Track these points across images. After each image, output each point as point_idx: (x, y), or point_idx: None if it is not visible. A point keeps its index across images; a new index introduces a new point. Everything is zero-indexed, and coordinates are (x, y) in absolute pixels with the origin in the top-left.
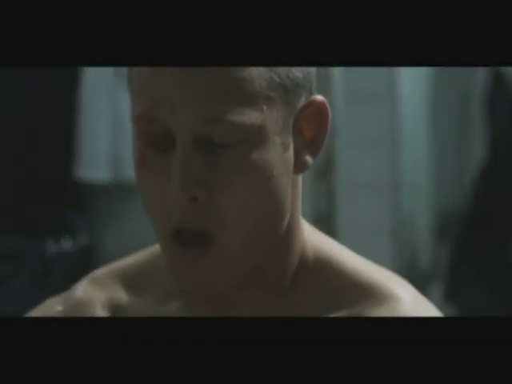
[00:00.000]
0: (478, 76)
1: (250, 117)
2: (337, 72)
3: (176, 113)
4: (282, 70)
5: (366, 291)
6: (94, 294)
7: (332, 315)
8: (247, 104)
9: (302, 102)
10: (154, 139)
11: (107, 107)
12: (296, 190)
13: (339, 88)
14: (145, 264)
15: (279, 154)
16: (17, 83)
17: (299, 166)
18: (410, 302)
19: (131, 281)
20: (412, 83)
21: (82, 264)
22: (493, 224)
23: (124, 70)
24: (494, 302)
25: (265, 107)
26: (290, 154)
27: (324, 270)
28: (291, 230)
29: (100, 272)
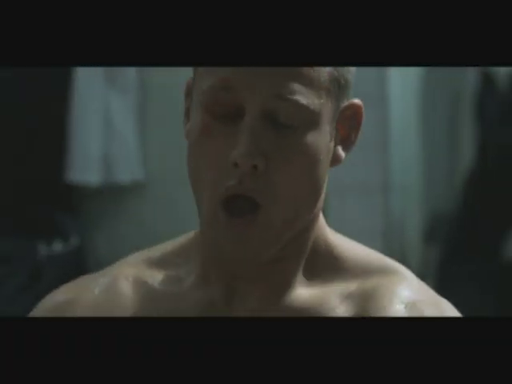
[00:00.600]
0: (468, 77)
1: (313, 102)
2: None
3: (249, 85)
4: (341, 68)
5: (372, 268)
6: (124, 272)
7: (342, 287)
8: (312, 90)
9: (345, 102)
10: (222, 110)
11: (99, 109)
12: (325, 180)
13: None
14: (170, 249)
15: (326, 142)
16: (7, 84)
17: (335, 158)
18: (411, 276)
19: (157, 262)
20: (402, 85)
21: (74, 266)
22: (483, 225)
23: (115, 73)
24: (485, 303)
25: (324, 96)
26: (332, 145)
27: (333, 253)
28: (317, 216)
29: (132, 256)
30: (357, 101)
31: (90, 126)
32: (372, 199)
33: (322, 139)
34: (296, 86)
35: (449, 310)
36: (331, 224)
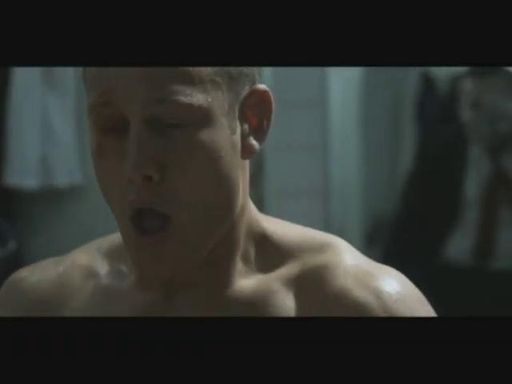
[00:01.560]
0: (408, 79)
1: (198, 98)
2: (266, 78)
3: (128, 95)
4: None
5: (311, 247)
6: (79, 259)
7: (284, 273)
8: (194, 86)
9: (246, 90)
10: (109, 125)
11: (37, 112)
12: (245, 174)
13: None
14: (118, 241)
15: (227, 136)
16: None
17: (246, 150)
18: (349, 249)
19: (106, 252)
20: (342, 88)
21: (12, 270)
22: (423, 227)
23: (53, 76)
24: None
25: (211, 90)
26: (237, 137)
27: (271, 242)
28: (243, 211)
29: (90, 244)
30: (261, 86)
31: (28, 129)
32: (312, 203)
33: (219, 134)
34: (175, 86)
35: (394, 275)
36: None
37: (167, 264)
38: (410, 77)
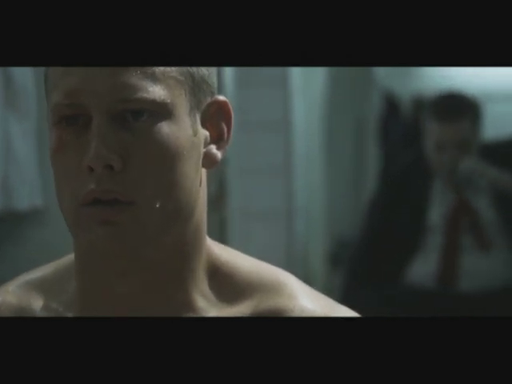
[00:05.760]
0: (372, 102)
1: (160, 93)
2: (230, 100)
3: (91, 95)
4: None
5: (263, 284)
6: (6, 301)
7: (236, 311)
8: (156, 82)
9: (207, 101)
10: (71, 122)
11: None
12: (203, 192)
13: (233, 116)
14: (51, 272)
15: (189, 135)
16: None
17: (208, 159)
18: (303, 289)
19: (37, 286)
20: (306, 110)
21: None
22: (386, 250)
23: (15, 98)
24: None
25: (174, 87)
26: (200, 142)
27: (223, 273)
28: (199, 231)
29: (11, 282)
30: (220, 97)
31: None
32: (276, 224)
33: (181, 131)
34: (138, 84)
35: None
36: (235, 249)
37: (125, 233)
38: (373, 100)
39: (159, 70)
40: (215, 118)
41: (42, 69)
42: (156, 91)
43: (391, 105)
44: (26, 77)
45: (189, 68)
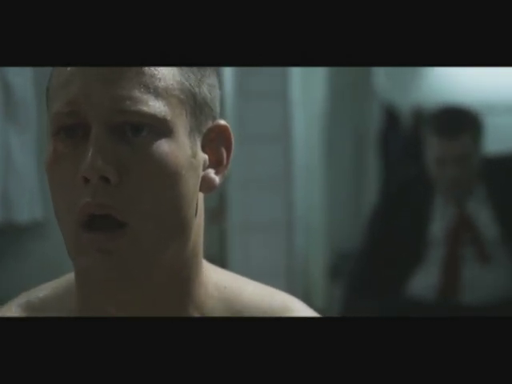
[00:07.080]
0: (372, 115)
1: (161, 109)
2: (231, 111)
3: (91, 105)
4: (193, 80)
5: (269, 310)
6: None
7: None
8: (158, 97)
9: (208, 124)
10: (70, 133)
11: None
12: (200, 217)
13: (232, 128)
14: (51, 292)
15: (188, 156)
16: None
17: (206, 183)
18: (308, 313)
19: (38, 307)
20: (306, 123)
21: None
22: (386, 263)
23: (15, 110)
24: None
25: (176, 105)
26: (199, 164)
27: (224, 298)
28: (196, 254)
29: (8, 305)
30: (221, 121)
31: None
32: (276, 236)
33: (181, 151)
34: (139, 96)
35: None
36: (235, 262)
37: (120, 259)
38: (373, 113)
39: (162, 86)
40: (215, 142)
41: (42, 81)
42: (157, 106)
43: (391, 117)
44: (25, 89)
45: (191, 88)
